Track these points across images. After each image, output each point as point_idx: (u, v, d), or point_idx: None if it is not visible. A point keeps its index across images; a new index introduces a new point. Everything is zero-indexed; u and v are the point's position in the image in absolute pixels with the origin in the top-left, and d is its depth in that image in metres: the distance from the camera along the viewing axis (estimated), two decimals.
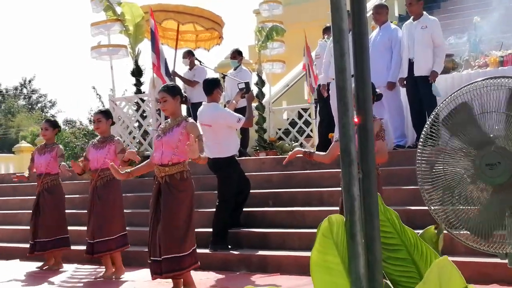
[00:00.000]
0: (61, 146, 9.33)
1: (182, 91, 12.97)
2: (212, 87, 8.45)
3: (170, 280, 6.75)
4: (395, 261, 2.11)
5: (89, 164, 8.19)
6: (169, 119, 6.82)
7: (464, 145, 4.63)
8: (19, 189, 13.34)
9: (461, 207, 4.69)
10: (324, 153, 6.48)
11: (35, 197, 9.28)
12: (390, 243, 2.13)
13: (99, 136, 8.34)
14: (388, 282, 2.04)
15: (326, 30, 12.55)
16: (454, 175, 4.68)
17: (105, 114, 8.28)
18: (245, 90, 8.80)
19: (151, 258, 6.52)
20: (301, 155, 6.46)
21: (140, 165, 7.07)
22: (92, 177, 8.17)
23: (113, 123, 8.53)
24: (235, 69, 12.97)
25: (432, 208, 4.78)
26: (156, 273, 6.48)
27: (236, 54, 13.08)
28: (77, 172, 8.24)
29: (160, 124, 6.98)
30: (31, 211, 9.28)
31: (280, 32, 13.78)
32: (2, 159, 20.48)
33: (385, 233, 2.13)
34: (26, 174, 9.53)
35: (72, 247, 9.24)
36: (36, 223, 9.03)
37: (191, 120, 6.76)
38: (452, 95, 4.81)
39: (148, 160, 6.97)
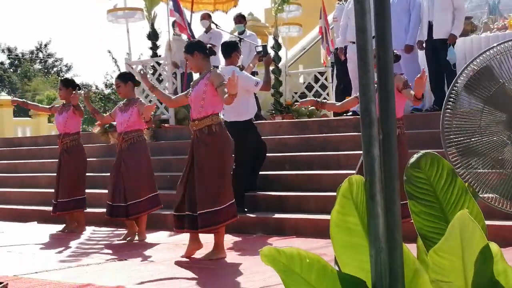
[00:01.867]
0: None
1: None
2: (230, 50, 8.37)
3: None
4: (427, 216, 2.10)
5: (115, 126, 8.37)
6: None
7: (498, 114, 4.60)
8: (36, 152, 13.43)
9: (485, 170, 4.68)
10: (336, 102, 6.57)
11: (52, 160, 9.36)
12: (425, 198, 2.12)
13: (125, 99, 8.35)
14: (405, 253, 2.03)
15: None
16: (489, 138, 4.66)
17: (122, 78, 8.26)
18: (263, 53, 8.74)
19: (187, 212, 6.51)
20: (313, 106, 6.55)
21: (163, 94, 7.55)
22: (118, 140, 8.23)
23: (137, 85, 8.51)
24: (240, 34, 12.86)
25: (460, 171, 4.77)
26: (191, 228, 6.52)
27: (241, 19, 13.01)
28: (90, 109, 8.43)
29: (176, 87, 7.03)
30: (48, 174, 9.36)
31: None
32: (18, 123, 20.57)
33: (421, 189, 2.12)
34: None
35: (89, 210, 9.31)
36: (58, 184, 9.10)
37: (215, 70, 6.73)
38: (473, 63, 4.78)
39: (169, 95, 7.53)
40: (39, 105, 10.24)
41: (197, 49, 6.68)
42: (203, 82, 6.52)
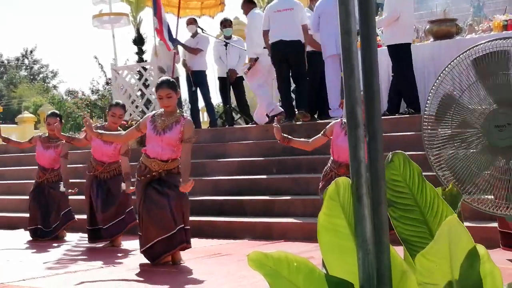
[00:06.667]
0: (65, 144, 8.87)
1: (182, 59, 12.90)
2: None
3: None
4: (407, 221, 2.11)
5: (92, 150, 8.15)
6: (162, 112, 6.52)
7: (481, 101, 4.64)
8: (23, 159, 13.36)
9: (469, 172, 4.71)
10: (304, 140, 6.54)
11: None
12: (403, 202, 2.12)
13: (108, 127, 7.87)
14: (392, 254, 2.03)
15: None
16: (462, 139, 4.69)
17: (124, 107, 8.21)
18: None
19: (159, 238, 6.52)
20: (278, 140, 6.45)
21: (110, 133, 7.08)
22: (97, 169, 8.04)
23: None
24: (227, 38, 12.82)
25: (441, 173, 4.79)
26: (173, 247, 6.53)
27: (230, 23, 13.03)
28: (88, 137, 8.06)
29: (155, 114, 6.66)
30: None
31: None
32: (5, 130, 20.32)
33: (399, 193, 2.12)
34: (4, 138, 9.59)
35: (77, 216, 9.25)
36: (42, 211, 8.99)
37: (188, 117, 6.61)
38: (448, 67, 4.83)
39: (119, 133, 7.09)
40: (21, 141, 10.13)
41: (178, 87, 6.71)
42: (178, 129, 6.43)
